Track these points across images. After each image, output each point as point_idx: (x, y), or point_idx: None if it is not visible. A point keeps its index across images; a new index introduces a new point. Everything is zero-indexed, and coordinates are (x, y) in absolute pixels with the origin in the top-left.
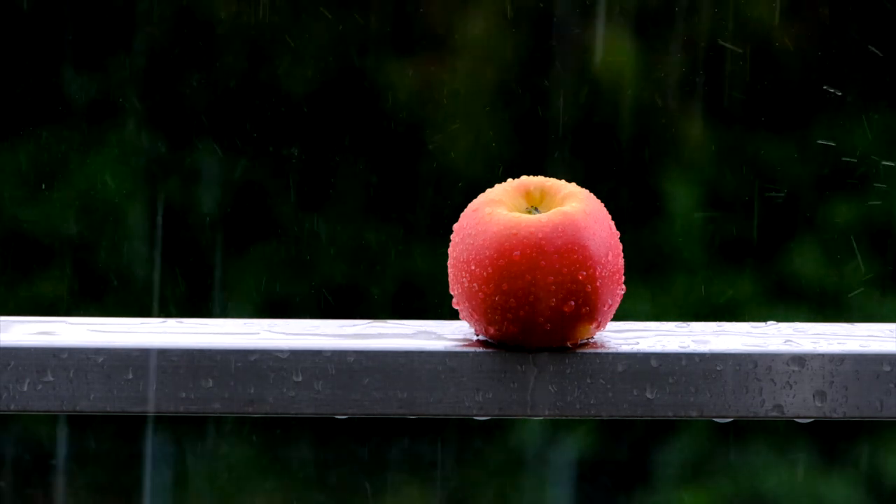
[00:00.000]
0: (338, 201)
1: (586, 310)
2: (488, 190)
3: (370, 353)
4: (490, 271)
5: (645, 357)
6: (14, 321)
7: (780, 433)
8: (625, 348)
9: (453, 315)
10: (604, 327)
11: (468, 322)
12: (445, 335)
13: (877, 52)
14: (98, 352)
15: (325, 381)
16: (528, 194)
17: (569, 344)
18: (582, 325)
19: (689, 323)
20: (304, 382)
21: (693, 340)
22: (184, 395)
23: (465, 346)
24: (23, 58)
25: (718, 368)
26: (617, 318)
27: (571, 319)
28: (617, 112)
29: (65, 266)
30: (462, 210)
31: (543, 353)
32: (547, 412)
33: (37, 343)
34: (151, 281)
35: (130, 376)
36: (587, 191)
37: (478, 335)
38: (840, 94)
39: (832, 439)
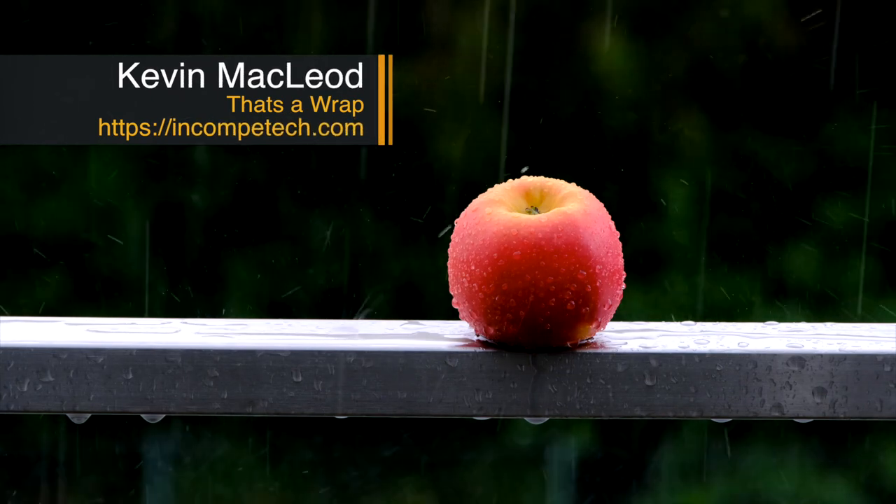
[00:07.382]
0: (338, 201)
1: (586, 310)
2: (488, 190)
3: (370, 353)
4: (490, 271)
5: (645, 357)
6: (14, 321)
7: (779, 433)
8: (625, 348)
9: (453, 315)
10: (604, 327)
11: (468, 322)
12: (445, 335)
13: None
14: (98, 352)
15: (325, 381)
16: (527, 194)
17: (569, 344)
18: (582, 325)
19: (689, 323)
20: (303, 382)
21: (693, 340)
22: (184, 395)
23: (465, 346)
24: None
25: (718, 368)
26: (617, 317)
27: (571, 319)
28: (616, 112)
29: (65, 267)
30: (462, 210)
31: (543, 354)
32: (547, 412)
33: (37, 343)
34: (151, 281)
35: (130, 376)
36: (587, 191)
37: (478, 335)
38: (839, 93)
39: (832, 439)
